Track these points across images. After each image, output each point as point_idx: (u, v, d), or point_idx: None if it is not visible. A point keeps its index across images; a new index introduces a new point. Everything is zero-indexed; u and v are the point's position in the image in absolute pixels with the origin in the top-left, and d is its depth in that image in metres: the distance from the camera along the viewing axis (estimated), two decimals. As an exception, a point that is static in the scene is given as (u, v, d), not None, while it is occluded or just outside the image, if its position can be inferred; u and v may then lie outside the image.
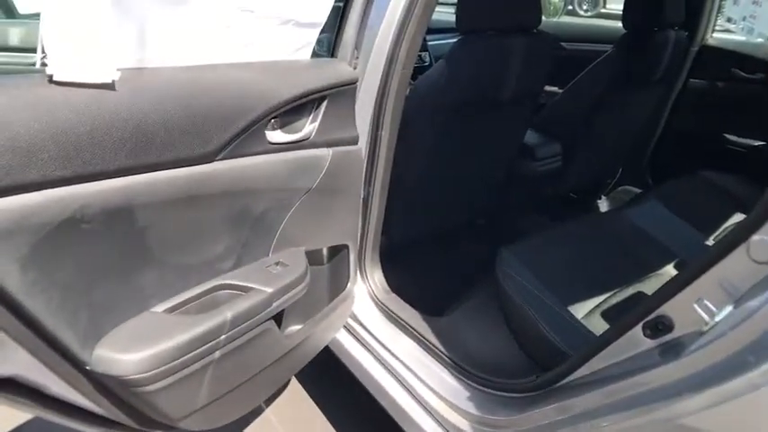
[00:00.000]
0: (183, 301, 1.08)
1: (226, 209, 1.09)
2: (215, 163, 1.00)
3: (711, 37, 2.52)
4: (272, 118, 1.11)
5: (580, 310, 1.57)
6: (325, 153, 1.26)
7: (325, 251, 1.50)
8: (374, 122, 1.47)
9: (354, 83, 1.28)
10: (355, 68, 1.36)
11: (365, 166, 1.54)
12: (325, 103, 1.22)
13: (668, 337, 1.04)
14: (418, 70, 2.34)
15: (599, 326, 1.52)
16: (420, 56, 2.85)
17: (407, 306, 1.75)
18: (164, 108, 0.89)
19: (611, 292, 1.66)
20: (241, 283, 1.15)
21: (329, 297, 1.58)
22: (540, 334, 1.44)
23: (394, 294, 1.79)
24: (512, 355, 1.54)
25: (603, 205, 2.93)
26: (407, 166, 1.80)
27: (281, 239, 1.29)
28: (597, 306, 1.60)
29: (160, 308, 1.05)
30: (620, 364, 1.13)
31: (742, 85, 2.43)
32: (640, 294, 1.67)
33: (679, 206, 2.16)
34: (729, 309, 0.90)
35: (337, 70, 1.27)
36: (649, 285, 1.72)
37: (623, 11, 2.23)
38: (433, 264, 2.14)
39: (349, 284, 1.56)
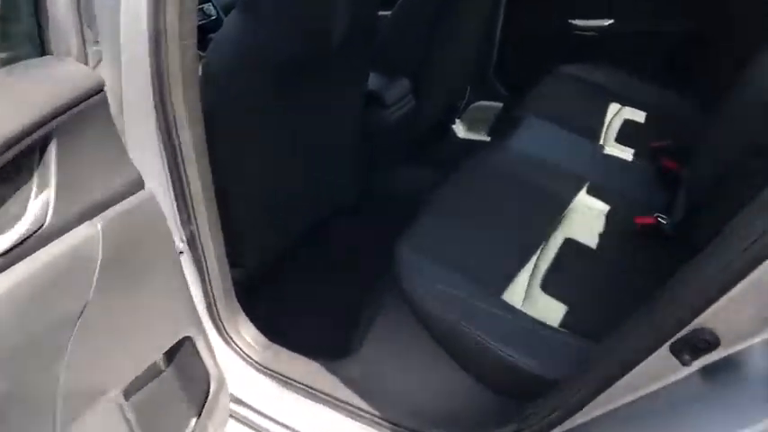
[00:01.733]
0: None
1: None
2: None
3: None
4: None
5: (517, 290, 1.21)
6: (88, 233, 0.69)
7: (159, 359, 0.96)
8: (164, 137, 0.92)
9: (101, 89, 0.71)
10: (98, 65, 0.78)
11: (173, 202, 1.00)
12: (53, 148, 0.65)
13: (714, 356, 0.70)
14: (205, 31, 1.76)
15: (548, 306, 1.18)
16: (201, 9, 2.19)
17: (298, 357, 1.28)
18: None
19: (539, 251, 1.32)
20: None
21: (194, 407, 1.05)
22: (487, 353, 1.06)
23: (276, 345, 1.31)
24: (465, 388, 1.14)
25: (460, 130, 2.62)
26: (233, 173, 1.27)
27: (70, 394, 0.73)
28: (532, 275, 1.25)
29: None
30: (647, 400, 0.77)
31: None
32: (569, 242, 1.36)
33: (553, 113, 1.88)
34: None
35: (59, 78, 0.68)
36: (572, 224, 1.41)
37: None
38: (314, 285, 1.65)
39: (212, 383, 1.04)
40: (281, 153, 1.42)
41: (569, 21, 2.20)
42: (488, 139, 2.57)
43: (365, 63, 1.61)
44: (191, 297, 0.96)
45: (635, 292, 1.29)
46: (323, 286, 1.61)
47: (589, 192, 1.51)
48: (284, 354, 1.28)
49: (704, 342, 0.68)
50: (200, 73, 1.06)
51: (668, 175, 1.57)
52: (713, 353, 0.69)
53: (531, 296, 1.21)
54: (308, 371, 1.24)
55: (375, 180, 2.07)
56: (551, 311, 1.18)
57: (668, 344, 0.71)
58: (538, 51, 2.32)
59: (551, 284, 1.24)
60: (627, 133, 1.82)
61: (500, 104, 2.52)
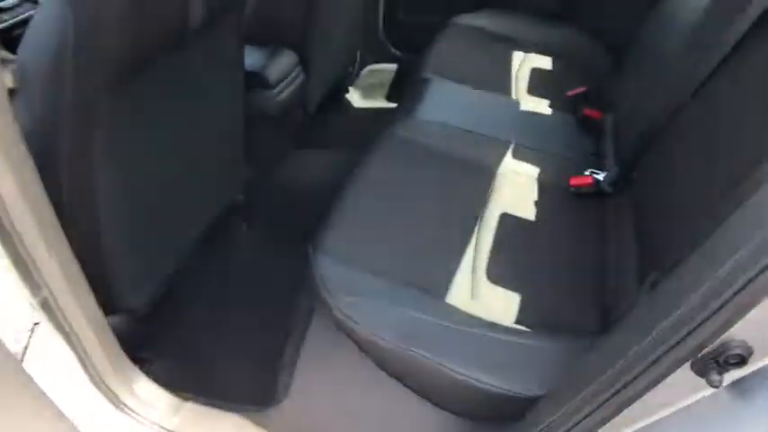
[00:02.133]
0: None
1: None
2: None
3: None
4: None
5: (461, 287, 1.05)
6: None
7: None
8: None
9: None
10: None
11: (7, 267, 0.73)
12: None
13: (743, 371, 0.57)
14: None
15: (498, 298, 1.03)
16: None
17: (219, 413, 1.05)
18: None
19: (475, 234, 1.16)
20: None
21: None
22: (444, 377, 0.88)
23: (189, 403, 1.07)
24: (427, 420, 0.97)
25: (355, 99, 2.40)
26: (86, 204, 0.98)
27: None
28: (474, 265, 1.10)
29: None
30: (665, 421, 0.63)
31: None
32: (506, 217, 1.21)
33: (456, 71, 1.71)
34: None
35: None
36: (503, 196, 1.27)
37: None
38: (220, 314, 1.39)
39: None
40: (148, 164, 1.13)
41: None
42: (387, 105, 2.39)
43: (237, 40, 1.34)
44: (52, 404, 0.70)
45: (586, 263, 1.19)
46: (232, 314, 1.37)
47: (515, 156, 1.37)
48: (201, 412, 1.04)
49: (736, 356, 0.54)
50: (10, 84, 0.78)
51: (592, 126, 1.46)
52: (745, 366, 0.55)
53: (477, 291, 1.05)
54: (235, 428, 1.01)
55: (267, 170, 1.83)
56: (504, 304, 1.03)
57: (689, 363, 0.57)
58: (427, 4, 2.13)
59: (497, 271, 1.09)
60: (537, 83, 1.70)
61: (394, 66, 2.33)
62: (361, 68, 2.37)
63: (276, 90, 1.59)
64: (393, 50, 2.29)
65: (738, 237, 0.54)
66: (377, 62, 2.37)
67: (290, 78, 1.63)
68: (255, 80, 1.54)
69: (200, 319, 1.40)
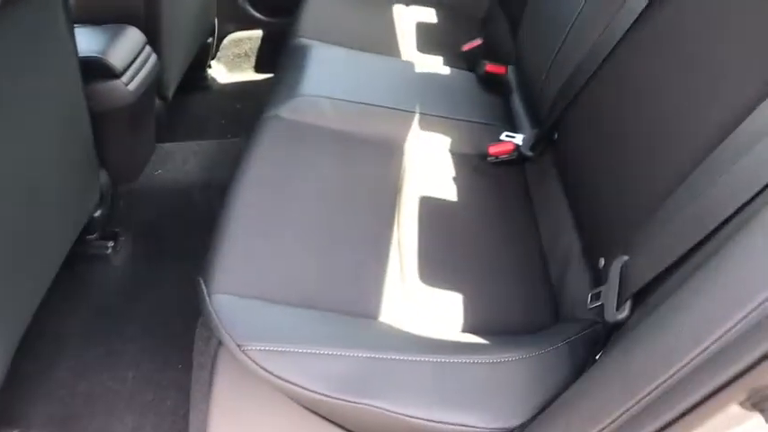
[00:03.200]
0: None
1: None
2: None
3: None
4: None
5: (393, 299, 0.88)
6: None
7: None
8: None
9: None
10: None
11: None
12: None
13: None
14: None
15: (438, 303, 0.89)
16: None
17: None
18: None
19: (395, 227, 0.99)
20: None
21: None
22: (406, 427, 0.72)
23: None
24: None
25: (220, 73, 2.11)
26: None
27: None
28: (402, 268, 0.93)
29: None
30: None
31: None
32: (425, 202, 1.05)
33: (334, 33, 1.50)
34: None
35: None
36: (417, 176, 1.11)
37: None
38: (100, 367, 1.12)
39: None
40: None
41: None
42: (257, 77, 2.13)
43: (63, 21, 1.03)
44: None
45: (523, 244, 1.06)
46: (114, 361, 1.11)
47: (422, 127, 1.20)
48: None
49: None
50: None
51: (496, 82, 1.32)
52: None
53: (413, 300, 0.88)
54: None
55: (128, 174, 1.53)
56: (446, 311, 0.88)
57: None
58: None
59: (428, 270, 0.93)
60: (426, 39, 1.53)
61: (259, 32, 2.06)
62: (222, 39, 2.07)
63: (124, 78, 1.29)
64: (254, 14, 2.01)
65: None
66: (239, 30, 2.08)
67: (138, 62, 1.34)
68: (97, 69, 1.24)
69: (74, 375, 1.14)
